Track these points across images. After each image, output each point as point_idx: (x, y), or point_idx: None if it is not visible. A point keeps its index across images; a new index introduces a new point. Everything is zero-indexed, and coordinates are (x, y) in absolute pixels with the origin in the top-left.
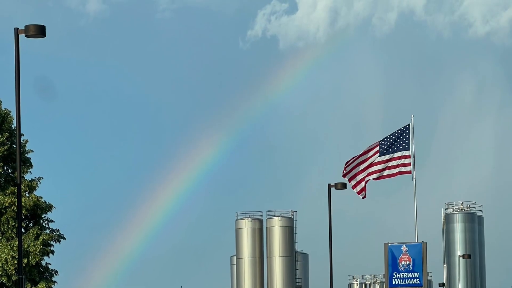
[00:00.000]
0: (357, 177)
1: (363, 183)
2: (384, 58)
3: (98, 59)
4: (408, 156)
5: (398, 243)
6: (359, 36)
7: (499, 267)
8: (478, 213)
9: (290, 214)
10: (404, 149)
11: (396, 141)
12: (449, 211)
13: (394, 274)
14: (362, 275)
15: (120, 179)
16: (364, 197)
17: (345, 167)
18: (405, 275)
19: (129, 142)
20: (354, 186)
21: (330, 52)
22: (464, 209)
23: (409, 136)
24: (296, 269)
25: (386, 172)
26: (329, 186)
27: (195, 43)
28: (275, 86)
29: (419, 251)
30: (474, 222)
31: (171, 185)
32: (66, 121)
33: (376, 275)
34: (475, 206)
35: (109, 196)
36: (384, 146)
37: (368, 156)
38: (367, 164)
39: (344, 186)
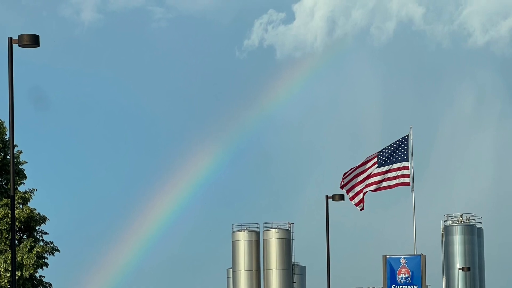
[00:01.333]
0: (355, 188)
1: (361, 195)
2: (382, 68)
3: (92, 69)
4: (406, 168)
5: (396, 255)
6: (357, 46)
7: (499, 280)
8: (477, 225)
9: (287, 226)
10: (403, 160)
11: (395, 152)
12: (448, 223)
13: (392, 287)
14: None
15: (115, 191)
16: (362, 209)
17: (343, 179)
18: None
19: (124, 153)
20: (352, 198)
21: (327, 62)
22: (463, 221)
23: (407, 147)
24: (293, 282)
25: (384, 184)
26: (327, 197)
27: (190, 53)
28: (272, 97)
29: (418, 263)
30: (473, 234)
31: (166, 196)
32: (60, 132)
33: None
34: (474, 218)
35: (104, 208)
36: (383, 157)
37: (367, 167)
38: (365, 176)
39: (342, 198)
